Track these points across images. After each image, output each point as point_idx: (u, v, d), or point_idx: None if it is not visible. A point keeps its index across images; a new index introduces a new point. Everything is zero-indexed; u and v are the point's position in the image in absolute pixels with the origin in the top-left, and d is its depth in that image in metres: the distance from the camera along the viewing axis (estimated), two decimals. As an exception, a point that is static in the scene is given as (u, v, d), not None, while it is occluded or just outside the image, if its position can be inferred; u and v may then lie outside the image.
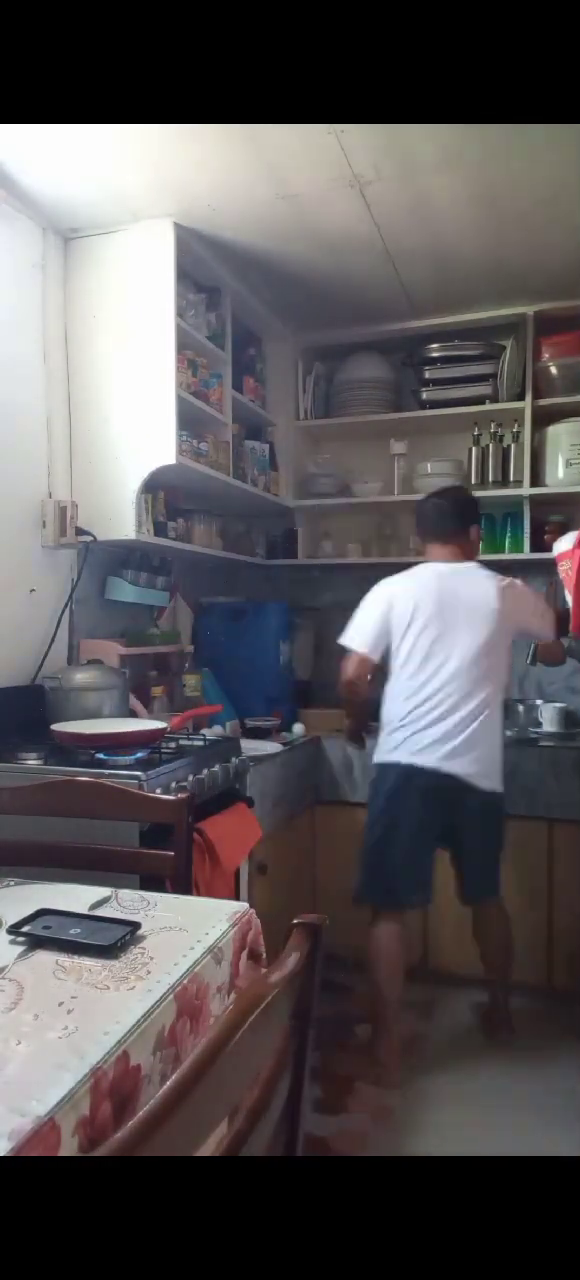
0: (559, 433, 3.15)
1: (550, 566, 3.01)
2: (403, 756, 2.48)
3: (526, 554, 3.24)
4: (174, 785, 2.00)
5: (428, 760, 2.45)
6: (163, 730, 2.25)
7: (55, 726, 2.20)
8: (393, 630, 2.52)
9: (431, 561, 2.59)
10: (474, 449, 3.30)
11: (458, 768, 2.44)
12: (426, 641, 2.47)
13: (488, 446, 3.27)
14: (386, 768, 2.53)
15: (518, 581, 2.64)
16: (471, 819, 2.50)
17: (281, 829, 2.74)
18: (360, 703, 2.69)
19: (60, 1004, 1.04)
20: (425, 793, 2.46)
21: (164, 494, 2.81)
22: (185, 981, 1.12)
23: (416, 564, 3.49)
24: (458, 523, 2.61)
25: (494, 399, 3.27)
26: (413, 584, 2.55)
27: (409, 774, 2.47)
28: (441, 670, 2.46)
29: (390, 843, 2.48)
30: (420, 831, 2.48)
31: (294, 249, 2.71)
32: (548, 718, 3.21)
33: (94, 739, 2.15)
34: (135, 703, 2.61)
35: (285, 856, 2.78)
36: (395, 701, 2.53)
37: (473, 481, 3.32)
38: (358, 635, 2.56)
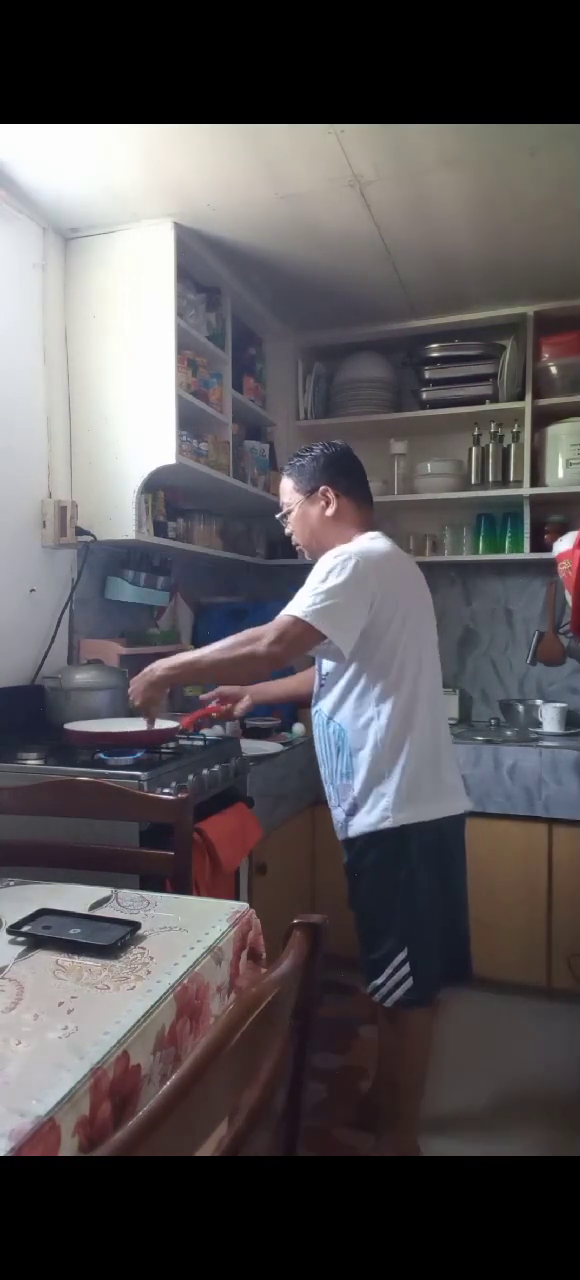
0: (559, 433, 3.15)
1: (550, 566, 3.02)
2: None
3: (526, 554, 3.24)
4: (174, 785, 2.00)
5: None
6: (174, 729, 2.26)
7: (68, 725, 2.20)
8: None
9: (371, 531, 2.03)
10: (474, 449, 3.30)
11: None
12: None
13: (488, 446, 3.27)
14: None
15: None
16: None
17: (281, 829, 2.74)
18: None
19: (60, 1004, 1.04)
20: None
21: (164, 494, 2.81)
22: (185, 981, 1.12)
23: (417, 564, 3.51)
24: None
25: (494, 399, 3.27)
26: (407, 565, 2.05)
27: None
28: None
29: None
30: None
31: (294, 249, 2.71)
32: (548, 718, 3.21)
33: (106, 738, 2.15)
34: (135, 703, 2.61)
35: (285, 856, 2.78)
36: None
37: (472, 481, 3.32)
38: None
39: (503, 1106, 2.38)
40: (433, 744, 1.94)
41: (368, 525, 2.06)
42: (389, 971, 1.90)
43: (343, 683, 1.95)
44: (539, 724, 3.25)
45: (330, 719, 1.99)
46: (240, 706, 2.30)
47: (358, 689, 1.92)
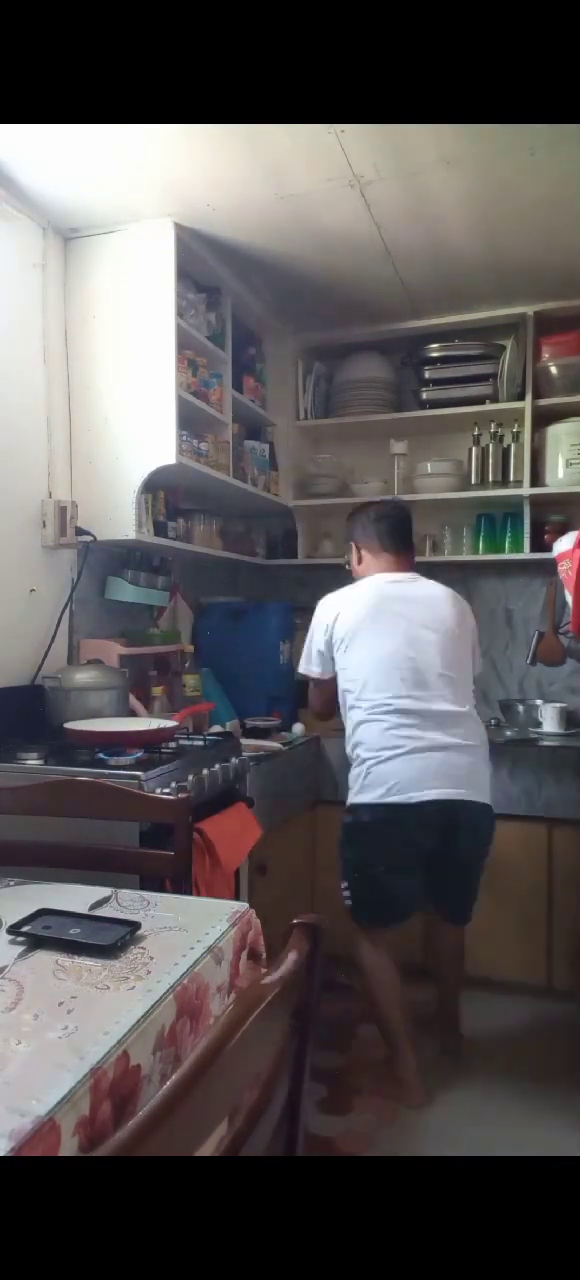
0: (559, 433, 3.15)
1: (550, 566, 3.02)
2: None
3: (526, 554, 3.24)
4: (174, 785, 2.00)
5: None
6: (173, 729, 2.26)
7: (68, 724, 2.21)
8: None
9: (379, 573, 2.56)
10: (474, 449, 3.30)
11: None
12: None
13: (488, 446, 3.27)
14: None
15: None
16: None
17: (281, 829, 2.73)
18: None
19: (60, 1004, 1.04)
20: None
21: (164, 494, 2.81)
22: (185, 981, 1.12)
23: (417, 564, 3.50)
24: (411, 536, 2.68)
25: (494, 399, 3.27)
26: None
27: None
28: None
29: None
30: None
31: (294, 249, 2.71)
32: (548, 718, 3.21)
33: (106, 737, 2.16)
34: (135, 703, 2.61)
35: (285, 856, 2.78)
36: None
37: (472, 481, 3.32)
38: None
39: (502, 1106, 2.38)
40: (392, 742, 2.36)
41: (378, 567, 2.56)
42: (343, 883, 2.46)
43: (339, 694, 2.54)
44: (539, 724, 3.24)
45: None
46: None
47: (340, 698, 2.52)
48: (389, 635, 2.39)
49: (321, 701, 2.62)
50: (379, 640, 2.40)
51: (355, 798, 2.41)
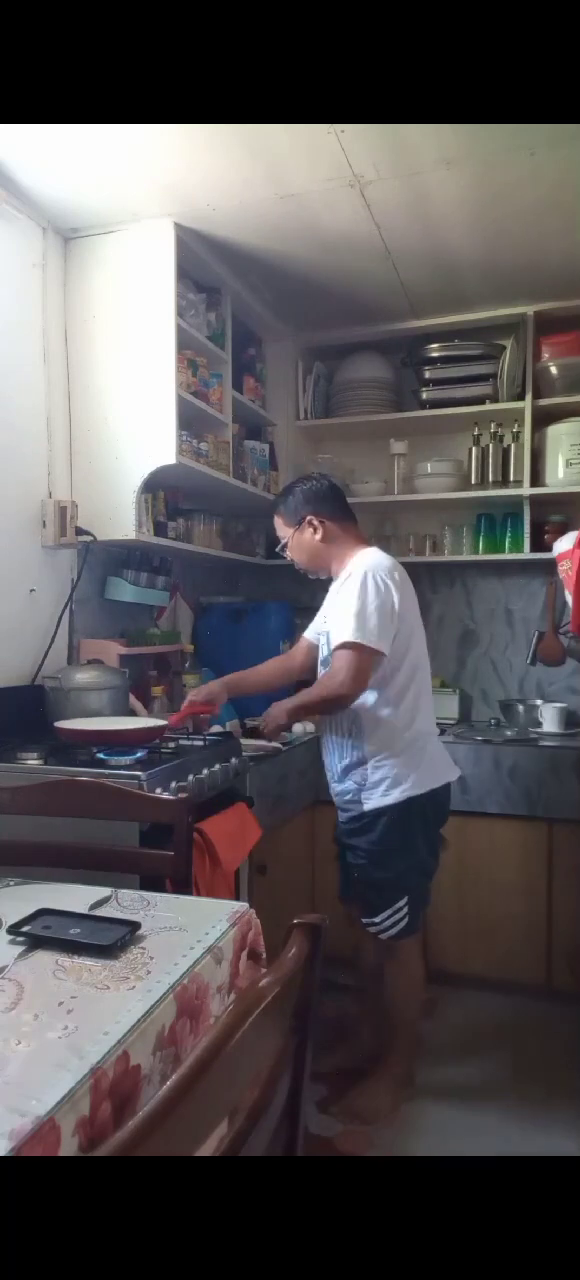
0: (559, 433, 3.15)
1: (550, 566, 3.02)
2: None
3: (526, 554, 3.24)
4: (174, 785, 2.00)
5: None
6: (163, 728, 2.27)
7: (59, 724, 2.20)
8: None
9: (367, 547, 2.36)
10: (474, 449, 3.30)
11: None
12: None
13: (488, 446, 3.27)
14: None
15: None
16: None
17: (281, 829, 2.73)
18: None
19: (60, 1004, 1.04)
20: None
21: (164, 494, 2.81)
22: (185, 981, 1.12)
23: (417, 564, 3.51)
24: None
25: (494, 399, 3.27)
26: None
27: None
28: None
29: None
30: None
31: (294, 249, 2.71)
32: (548, 718, 3.21)
33: (97, 735, 2.15)
34: (135, 702, 2.61)
35: (285, 856, 2.78)
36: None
37: (472, 481, 3.32)
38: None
39: (502, 1106, 2.38)
40: (427, 728, 2.33)
41: (357, 539, 2.39)
42: (388, 913, 2.30)
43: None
44: (539, 724, 3.24)
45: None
46: (218, 706, 2.55)
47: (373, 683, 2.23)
48: (418, 618, 2.37)
49: (361, 676, 2.17)
50: (418, 622, 2.36)
51: (411, 790, 2.24)
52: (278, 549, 2.50)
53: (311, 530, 2.36)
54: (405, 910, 2.28)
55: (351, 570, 2.25)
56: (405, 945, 2.34)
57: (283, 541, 2.45)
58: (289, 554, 2.44)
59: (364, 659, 2.15)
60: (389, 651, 2.18)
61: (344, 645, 2.16)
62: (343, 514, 2.39)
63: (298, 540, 2.39)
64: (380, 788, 2.25)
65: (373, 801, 2.27)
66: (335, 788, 2.39)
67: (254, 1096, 0.86)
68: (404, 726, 2.26)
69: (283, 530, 2.43)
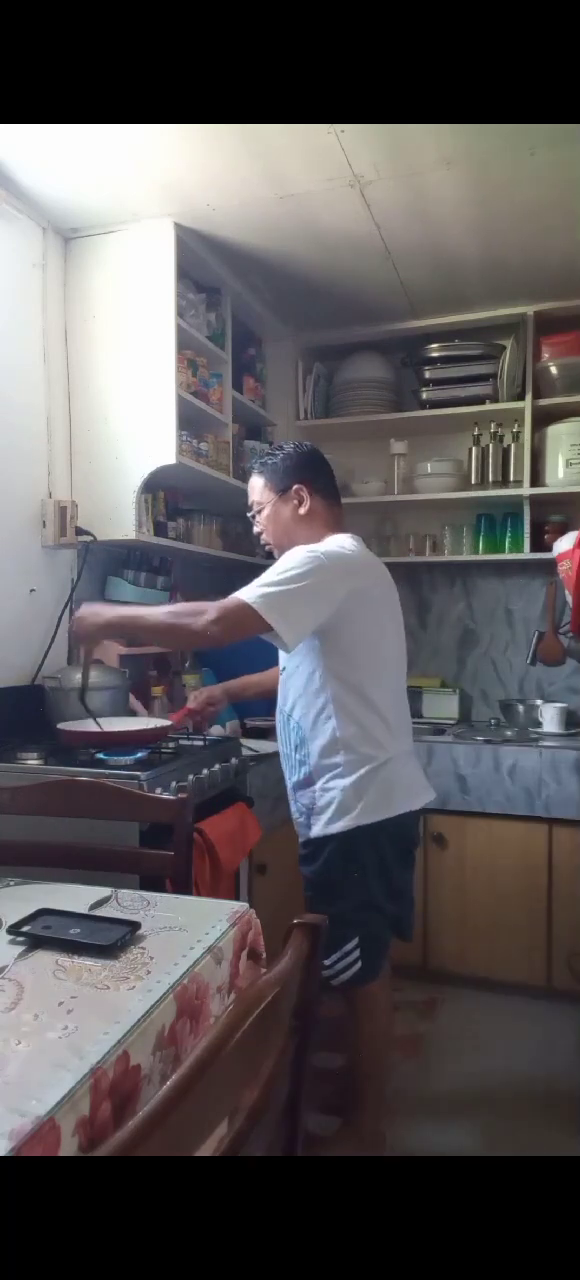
0: (559, 433, 3.15)
1: (550, 566, 3.02)
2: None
3: (526, 554, 3.24)
4: (174, 785, 2.00)
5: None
6: (167, 728, 2.27)
7: (61, 725, 2.20)
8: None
9: (341, 533, 2.04)
10: (474, 449, 3.30)
11: None
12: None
13: (488, 446, 3.27)
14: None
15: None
16: None
17: (281, 829, 2.73)
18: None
19: (60, 1004, 1.04)
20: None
21: (164, 494, 2.81)
22: (185, 981, 1.12)
23: (417, 564, 3.51)
24: None
25: (494, 399, 3.27)
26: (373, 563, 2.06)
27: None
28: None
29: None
30: None
31: (294, 249, 2.71)
32: (548, 718, 3.21)
33: (102, 738, 2.15)
34: (135, 703, 2.61)
35: (285, 856, 2.77)
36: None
37: (472, 481, 3.32)
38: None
39: (502, 1106, 2.38)
40: (390, 747, 1.98)
41: (338, 525, 2.08)
42: (337, 956, 1.97)
43: (301, 680, 1.99)
44: (539, 724, 3.25)
45: (290, 715, 2.04)
46: (218, 709, 2.44)
47: (315, 686, 1.95)
48: (395, 625, 2.07)
49: (232, 632, 1.80)
50: (394, 629, 2.06)
51: (360, 818, 1.92)
52: (249, 514, 2.15)
53: (296, 503, 2.03)
54: (356, 954, 1.95)
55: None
56: (363, 994, 2.00)
57: (257, 507, 2.10)
58: (260, 523, 2.11)
59: (248, 621, 1.78)
60: (293, 644, 1.83)
61: (238, 597, 1.82)
62: (332, 493, 2.10)
63: (276, 510, 2.05)
64: (326, 813, 1.96)
65: (317, 828, 1.99)
66: (291, 807, 2.13)
67: (254, 1096, 0.86)
68: (357, 744, 1.93)
69: (262, 494, 2.08)
